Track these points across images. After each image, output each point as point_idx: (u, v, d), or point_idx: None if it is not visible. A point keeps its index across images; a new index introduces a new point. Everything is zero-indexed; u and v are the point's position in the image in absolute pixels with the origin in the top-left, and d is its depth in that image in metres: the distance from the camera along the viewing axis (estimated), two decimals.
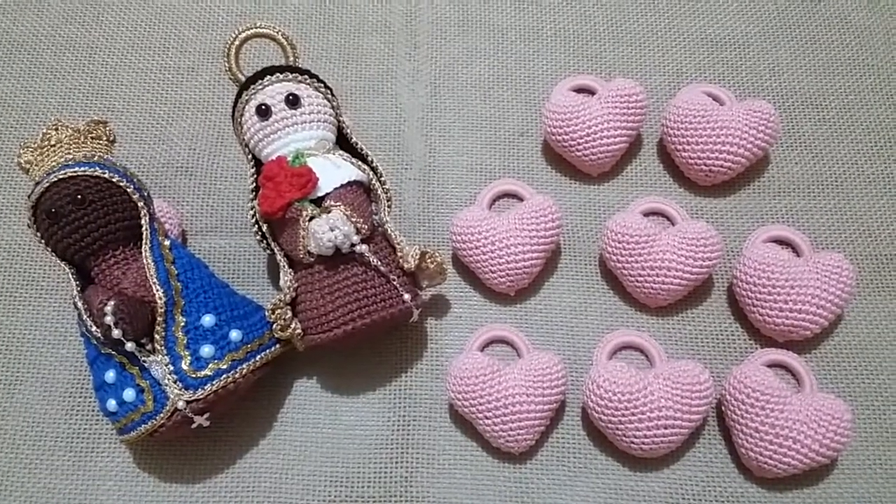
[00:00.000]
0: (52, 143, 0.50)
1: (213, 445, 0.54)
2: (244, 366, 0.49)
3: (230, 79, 0.53)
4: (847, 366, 0.55)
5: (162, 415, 0.47)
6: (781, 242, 0.58)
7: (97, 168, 0.48)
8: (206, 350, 0.47)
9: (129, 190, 0.49)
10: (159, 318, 0.47)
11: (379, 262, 0.49)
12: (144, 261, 0.48)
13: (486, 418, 0.51)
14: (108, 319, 0.45)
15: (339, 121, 0.54)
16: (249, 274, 0.59)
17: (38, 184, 0.48)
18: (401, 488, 0.52)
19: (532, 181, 0.61)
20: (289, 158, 0.50)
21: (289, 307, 0.51)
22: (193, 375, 0.47)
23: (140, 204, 0.49)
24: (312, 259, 0.50)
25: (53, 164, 0.49)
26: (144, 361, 0.47)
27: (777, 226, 0.59)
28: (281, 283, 0.51)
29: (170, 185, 0.62)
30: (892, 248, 0.59)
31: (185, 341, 0.47)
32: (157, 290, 0.47)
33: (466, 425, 0.54)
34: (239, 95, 0.52)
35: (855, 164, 0.62)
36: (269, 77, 0.51)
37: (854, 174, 0.62)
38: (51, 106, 0.66)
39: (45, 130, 0.50)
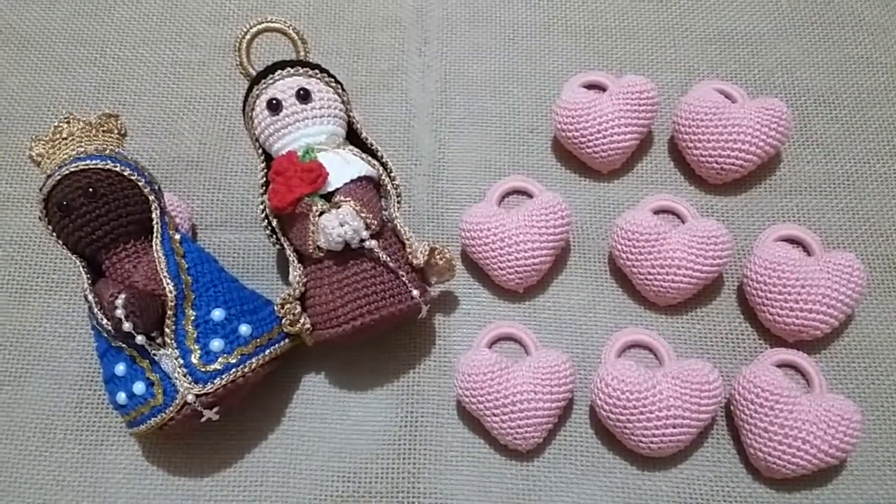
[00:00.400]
0: (64, 136, 0.50)
1: (221, 439, 0.54)
2: (253, 360, 0.49)
3: (241, 73, 0.53)
4: (857, 366, 0.55)
5: (171, 408, 0.47)
6: (792, 241, 0.57)
7: (109, 161, 0.48)
8: (216, 344, 0.47)
9: (140, 183, 0.49)
10: (169, 312, 0.47)
11: (388, 258, 0.49)
12: (155, 254, 0.48)
13: (494, 415, 0.51)
14: (119, 312, 0.45)
15: (349, 116, 0.53)
16: (259, 269, 0.59)
17: (49, 177, 0.48)
18: (408, 484, 0.52)
19: (542, 178, 0.61)
20: (299, 153, 0.50)
21: (298, 302, 0.51)
22: (203, 369, 0.47)
23: (151, 198, 0.49)
24: (322, 254, 0.50)
25: (65, 157, 0.49)
26: (154, 355, 0.47)
27: (788, 225, 0.58)
28: (290, 278, 0.51)
29: (180, 180, 0.62)
30: None
31: (195, 335, 0.47)
32: (168, 284, 0.47)
33: (474, 422, 0.54)
34: (250, 90, 0.52)
35: (867, 162, 0.62)
36: (279, 72, 0.51)
37: (866, 173, 0.61)
38: (61, 100, 0.66)
39: (56, 124, 0.50)
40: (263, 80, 0.51)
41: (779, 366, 0.53)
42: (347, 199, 0.49)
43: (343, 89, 0.53)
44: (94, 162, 0.48)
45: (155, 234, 0.49)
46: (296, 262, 0.52)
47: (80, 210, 0.47)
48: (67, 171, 0.47)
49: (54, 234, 0.48)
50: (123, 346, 0.48)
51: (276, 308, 0.51)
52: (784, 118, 0.58)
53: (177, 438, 0.53)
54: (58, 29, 0.69)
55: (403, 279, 0.50)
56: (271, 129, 0.51)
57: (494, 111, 0.65)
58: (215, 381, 0.47)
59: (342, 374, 0.56)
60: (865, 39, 0.67)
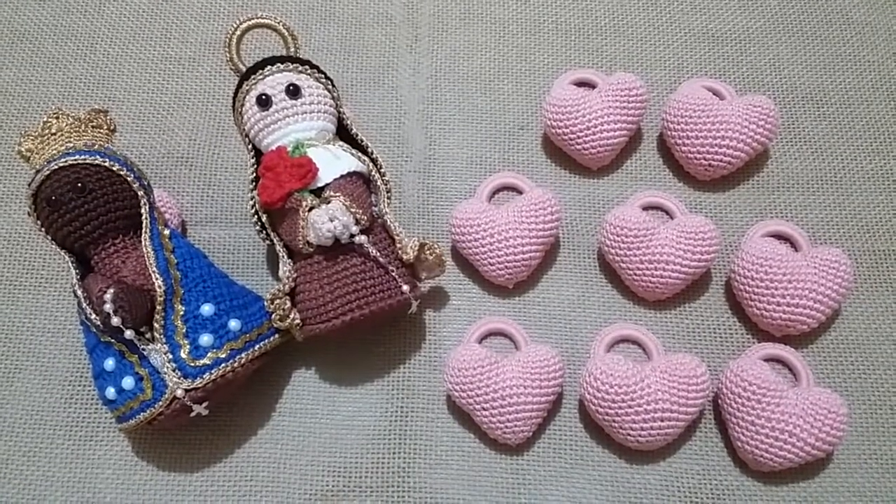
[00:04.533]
0: (53, 131, 0.50)
1: (211, 434, 0.54)
2: (243, 355, 0.49)
3: (231, 69, 0.53)
4: (844, 360, 0.55)
5: (160, 403, 0.47)
6: (780, 237, 0.58)
7: (98, 156, 0.48)
8: (205, 339, 0.48)
9: (129, 179, 0.49)
10: (158, 307, 0.47)
11: (378, 254, 0.50)
12: (144, 249, 0.48)
13: (484, 410, 0.51)
14: (108, 307, 0.45)
15: (339, 112, 0.54)
16: (249, 264, 0.59)
17: (38, 172, 0.48)
18: (398, 479, 0.52)
19: (531, 174, 0.62)
20: (289, 149, 0.50)
21: (288, 297, 0.51)
22: (192, 364, 0.47)
23: (140, 193, 0.49)
24: (312, 249, 0.50)
25: (54, 152, 0.49)
26: (143, 350, 0.47)
27: (775, 220, 0.59)
28: (280, 273, 0.51)
29: (170, 175, 0.62)
30: (890, 244, 0.59)
31: (184, 330, 0.47)
32: (157, 279, 0.47)
33: (464, 417, 0.54)
34: (240, 85, 0.52)
35: (854, 159, 0.62)
36: (269, 67, 0.51)
37: (853, 170, 0.62)
38: (52, 95, 0.66)
39: (45, 119, 0.50)
40: (253, 76, 0.51)
41: (766, 360, 0.53)
42: (337, 194, 0.49)
43: (333, 85, 0.53)
44: (82, 157, 0.48)
45: (144, 230, 0.49)
46: (286, 257, 0.52)
47: (68, 205, 0.47)
48: (56, 167, 0.47)
49: (43, 229, 0.48)
50: (112, 341, 0.48)
51: (265, 303, 0.51)
52: (771, 115, 0.58)
53: (166, 433, 0.53)
54: (48, 24, 0.69)
55: (393, 274, 0.50)
56: (261, 124, 0.51)
57: (485, 108, 0.65)
58: (205, 376, 0.47)
59: (332, 369, 0.56)
60: (853, 38, 0.67)
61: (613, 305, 0.57)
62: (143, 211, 0.49)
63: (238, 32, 0.53)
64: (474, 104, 0.65)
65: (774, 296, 0.53)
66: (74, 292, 0.48)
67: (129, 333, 0.46)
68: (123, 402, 0.48)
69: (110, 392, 0.48)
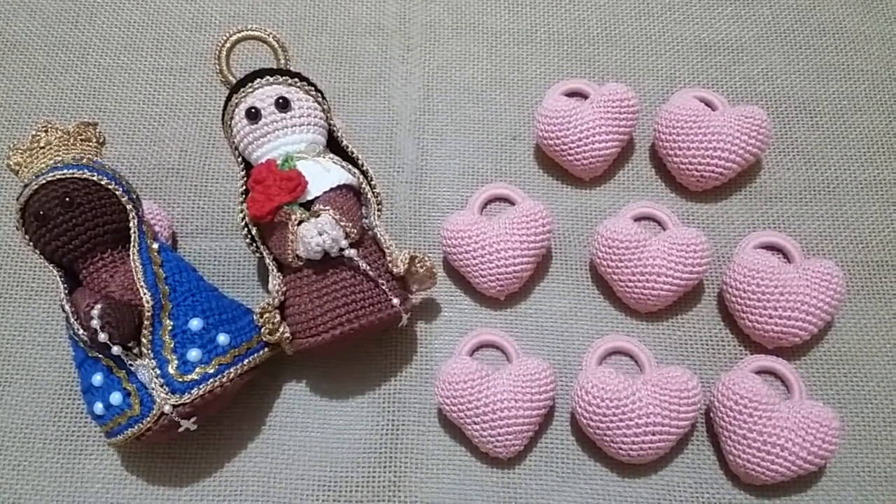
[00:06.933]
0: (42, 144, 0.50)
1: (201, 449, 0.53)
2: (232, 370, 0.48)
3: (221, 81, 0.53)
4: (836, 373, 0.55)
5: (148, 419, 0.46)
6: (772, 248, 0.58)
7: (86, 170, 0.48)
8: (194, 354, 0.47)
9: (117, 192, 0.49)
10: (146, 322, 0.47)
11: (368, 267, 0.49)
12: (132, 264, 0.48)
13: (475, 423, 0.51)
14: (95, 323, 0.45)
15: (329, 124, 0.53)
16: (239, 276, 0.59)
17: (26, 186, 0.48)
18: (389, 493, 0.52)
19: (524, 185, 0.61)
20: (278, 162, 0.50)
21: (277, 311, 0.50)
22: (180, 379, 0.47)
23: (129, 207, 0.49)
24: (301, 263, 0.50)
25: (42, 166, 0.49)
26: (131, 365, 0.47)
27: (768, 232, 0.59)
28: (270, 286, 0.51)
29: (160, 187, 0.62)
30: (884, 255, 0.59)
31: (172, 345, 0.47)
32: (145, 294, 0.47)
33: (455, 430, 0.53)
34: (229, 98, 0.52)
35: (847, 170, 0.62)
36: (259, 80, 0.51)
37: (846, 180, 0.62)
38: (42, 106, 0.66)
39: (34, 132, 0.50)
40: (242, 89, 0.51)
41: (758, 372, 0.53)
42: (327, 207, 0.49)
43: (323, 97, 0.53)
44: (70, 171, 0.48)
45: (132, 244, 0.49)
46: (275, 270, 0.51)
47: (56, 220, 0.47)
48: (44, 181, 0.47)
49: (31, 243, 0.48)
50: (100, 356, 0.47)
51: (255, 317, 0.51)
52: (764, 126, 0.58)
53: (156, 448, 0.53)
54: (39, 35, 0.69)
55: (383, 288, 0.50)
56: (250, 137, 0.51)
57: (477, 118, 0.65)
58: (192, 392, 0.47)
59: (323, 382, 0.56)
60: (846, 47, 0.67)
61: (605, 317, 0.57)
62: (131, 225, 0.49)
63: (228, 45, 0.52)
64: (466, 114, 0.65)
65: (767, 308, 0.53)
66: (62, 307, 0.48)
67: (116, 349, 0.46)
68: (111, 418, 0.48)
69: (98, 407, 0.48)
